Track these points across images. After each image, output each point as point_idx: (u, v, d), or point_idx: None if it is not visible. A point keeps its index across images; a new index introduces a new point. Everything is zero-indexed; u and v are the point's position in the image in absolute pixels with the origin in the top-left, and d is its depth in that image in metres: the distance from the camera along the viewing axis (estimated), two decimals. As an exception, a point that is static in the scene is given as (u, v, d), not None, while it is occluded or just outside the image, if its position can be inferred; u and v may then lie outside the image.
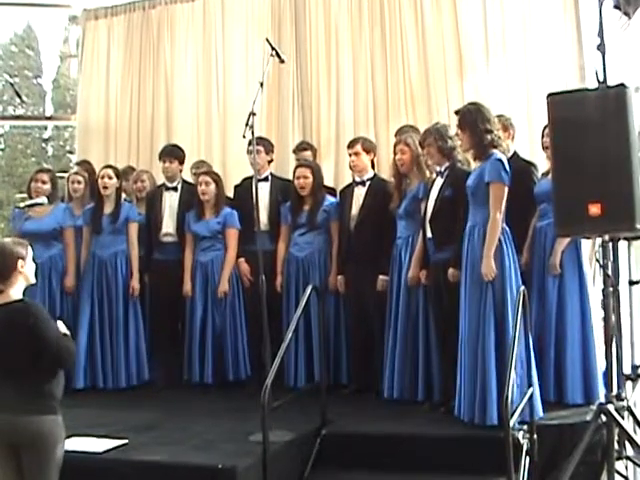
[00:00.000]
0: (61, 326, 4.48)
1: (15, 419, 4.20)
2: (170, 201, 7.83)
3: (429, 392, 6.35)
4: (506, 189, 5.63)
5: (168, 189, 7.87)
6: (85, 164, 8.59)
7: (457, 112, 5.95)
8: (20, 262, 4.38)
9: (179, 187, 7.89)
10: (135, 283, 7.54)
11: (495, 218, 5.56)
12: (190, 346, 7.47)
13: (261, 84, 6.14)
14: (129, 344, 7.53)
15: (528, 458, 5.17)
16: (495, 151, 5.72)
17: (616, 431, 5.25)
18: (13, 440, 4.23)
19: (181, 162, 7.96)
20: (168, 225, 7.77)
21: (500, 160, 5.66)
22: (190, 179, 8.12)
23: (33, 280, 4.53)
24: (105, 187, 7.53)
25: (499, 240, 5.58)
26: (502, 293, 5.54)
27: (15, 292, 4.35)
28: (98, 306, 7.48)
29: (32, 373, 4.26)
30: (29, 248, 4.49)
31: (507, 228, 5.68)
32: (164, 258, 7.70)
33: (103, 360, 7.44)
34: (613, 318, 5.50)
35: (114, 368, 7.47)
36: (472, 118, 5.76)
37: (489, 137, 5.72)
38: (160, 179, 8.13)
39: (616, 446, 5.31)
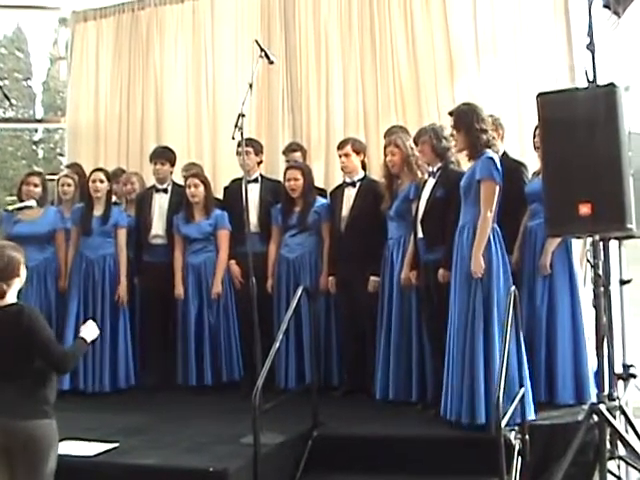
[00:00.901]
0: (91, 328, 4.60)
1: (9, 423, 4.18)
2: (160, 203, 7.82)
3: (422, 393, 6.34)
4: (497, 188, 5.63)
5: (158, 191, 7.86)
6: (75, 167, 8.58)
7: (451, 113, 5.94)
8: (22, 267, 4.42)
9: (169, 189, 7.88)
10: (122, 290, 7.50)
11: (485, 216, 5.57)
12: (183, 348, 7.45)
13: (250, 85, 6.13)
14: (117, 347, 7.48)
15: (520, 459, 5.16)
16: (487, 150, 5.72)
17: (608, 431, 5.24)
18: (6, 444, 4.21)
19: (172, 164, 7.95)
20: (157, 227, 7.75)
21: (492, 158, 5.67)
22: (180, 181, 8.08)
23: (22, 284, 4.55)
24: (96, 190, 7.50)
25: (488, 239, 5.58)
26: (489, 292, 5.53)
27: (11, 296, 4.36)
28: (84, 307, 7.43)
29: (27, 377, 4.26)
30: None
31: (497, 228, 5.68)
32: (153, 260, 7.70)
33: (92, 362, 7.37)
34: (604, 318, 5.49)
35: (102, 371, 7.40)
36: (468, 118, 5.76)
37: (484, 137, 5.73)
38: (150, 181, 8.11)
39: (608, 446, 5.30)
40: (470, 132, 5.76)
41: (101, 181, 7.53)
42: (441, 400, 5.83)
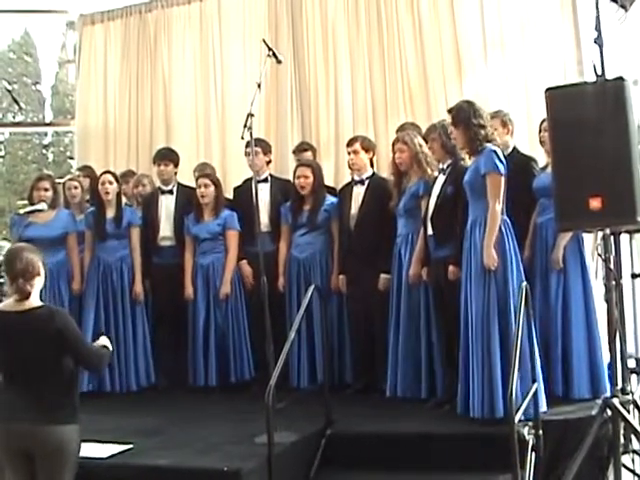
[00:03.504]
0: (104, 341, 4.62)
1: (36, 428, 4.19)
2: (166, 204, 7.84)
3: (432, 390, 6.34)
4: (503, 179, 5.62)
5: (164, 192, 7.89)
6: (87, 169, 8.58)
7: (450, 110, 5.96)
8: (41, 266, 4.44)
9: (174, 190, 7.90)
10: (138, 288, 7.54)
11: (494, 209, 5.56)
12: (194, 349, 7.46)
13: (259, 85, 6.14)
14: (137, 347, 7.54)
15: (534, 454, 5.15)
16: (488, 144, 5.72)
17: (622, 425, 5.23)
18: (30, 449, 4.23)
19: (176, 165, 7.97)
20: (165, 229, 7.79)
21: (494, 151, 5.67)
22: (191, 182, 8.07)
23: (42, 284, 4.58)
24: (107, 192, 7.53)
25: (500, 231, 5.58)
26: (504, 285, 5.53)
27: (35, 297, 4.38)
28: (104, 310, 7.46)
29: (56, 380, 4.29)
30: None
31: (508, 220, 5.67)
32: (162, 262, 7.71)
33: (109, 364, 7.39)
34: (616, 312, 5.48)
35: (120, 372, 7.44)
36: (466, 114, 5.77)
37: (483, 132, 5.73)
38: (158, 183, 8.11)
39: (622, 440, 5.29)
40: (468, 127, 5.76)
41: (110, 183, 7.57)
42: (453, 396, 5.84)
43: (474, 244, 5.66)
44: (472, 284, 5.64)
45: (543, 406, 5.55)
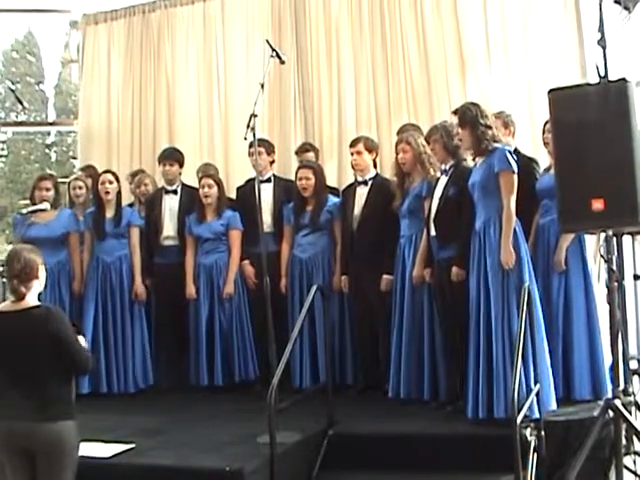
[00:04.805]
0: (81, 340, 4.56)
1: (34, 425, 4.20)
2: (170, 204, 7.84)
3: (435, 391, 6.34)
4: (515, 177, 5.64)
5: (168, 192, 7.89)
6: (90, 169, 8.60)
7: (455, 112, 5.96)
8: (40, 269, 4.43)
9: (179, 190, 7.90)
10: (138, 288, 7.54)
11: (509, 207, 5.58)
12: (196, 349, 7.46)
13: (262, 85, 6.14)
14: (135, 348, 7.52)
15: (536, 455, 5.15)
16: (497, 144, 5.74)
17: (624, 426, 5.23)
18: (30, 446, 4.23)
19: (181, 165, 7.96)
20: (169, 228, 7.78)
21: (508, 150, 5.71)
22: (194, 182, 8.07)
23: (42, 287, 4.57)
24: (107, 192, 7.53)
25: (514, 229, 5.60)
26: (521, 283, 5.51)
27: (32, 298, 4.39)
28: (102, 310, 7.46)
29: (53, 378, 4.29)
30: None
31: (518, 219, 5.69)
32: (165, 261, 7.72)
33: (108, 364, 7.41)
34: (618, 313, 5.48)
35: (119, 372, 7.44)
36: (473, 115, 5.77)
37: (490, 132, 5.74)
38: (162, 183, 8.11)
39: (624, 441, 5.29)
40: (476, 128, 5.77)
41: (110, 182, 7.57)
42: (456, 398, 5.84)
43: (488, 243, 5.66)
44: (489, 283, 5.62)
45: (553, 405, 5.58)
